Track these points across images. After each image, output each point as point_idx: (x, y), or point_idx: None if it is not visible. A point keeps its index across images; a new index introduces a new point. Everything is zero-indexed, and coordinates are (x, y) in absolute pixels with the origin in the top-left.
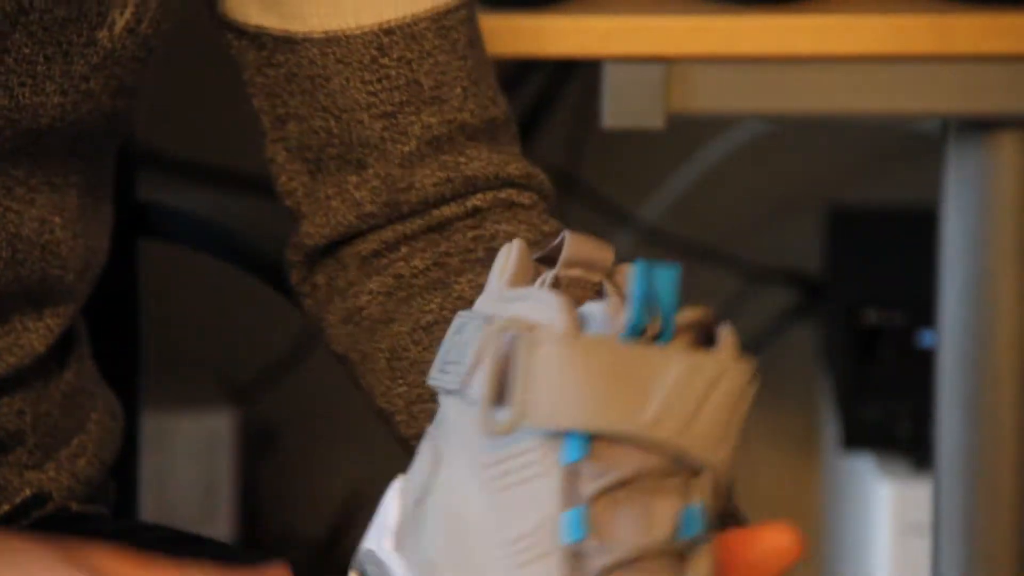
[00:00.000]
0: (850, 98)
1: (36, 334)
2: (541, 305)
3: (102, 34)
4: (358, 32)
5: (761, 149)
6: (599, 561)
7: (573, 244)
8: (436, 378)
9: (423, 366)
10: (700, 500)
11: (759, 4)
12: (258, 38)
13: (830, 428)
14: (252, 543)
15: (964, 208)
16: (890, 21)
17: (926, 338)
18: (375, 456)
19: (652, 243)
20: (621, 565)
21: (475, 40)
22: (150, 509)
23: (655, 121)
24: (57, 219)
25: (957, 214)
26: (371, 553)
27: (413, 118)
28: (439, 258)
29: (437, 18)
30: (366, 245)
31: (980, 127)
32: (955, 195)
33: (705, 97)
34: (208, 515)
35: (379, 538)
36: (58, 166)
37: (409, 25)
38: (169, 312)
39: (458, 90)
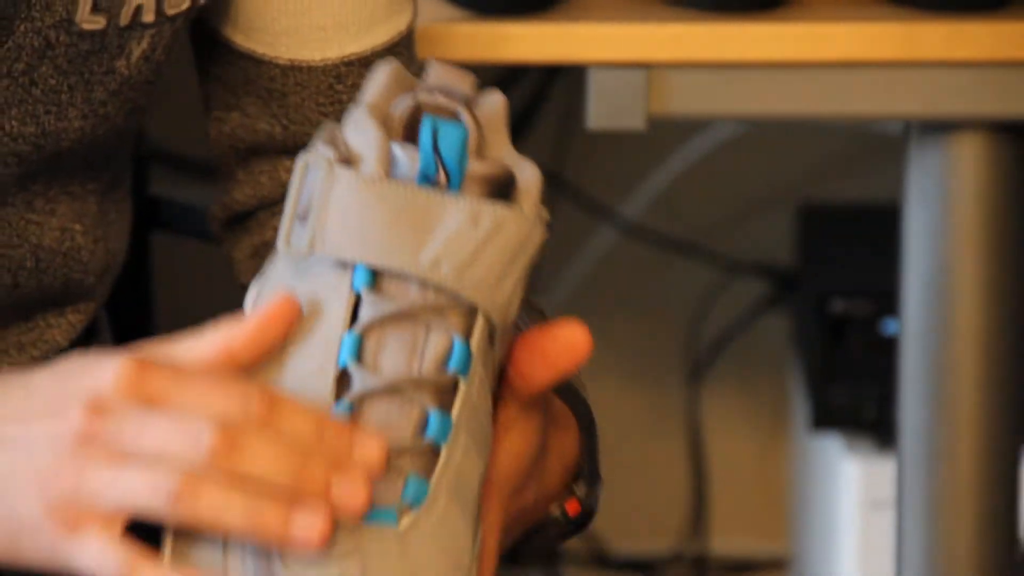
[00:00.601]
0: (819, 101)
1: (59, 330)
2: (363, 138)
3: (120, 63)
4: (321, 64)
5: (736, 149)
6: (361, 386)
7: (434, 71)
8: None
9: None
10: (469, 339)
11: (734, 13)
12: (225, 44)
13: (801, 409)
14: None
15: (925, 204)
16: (857, 29)
17: (890, 326)
18: None
19: (633, 238)
20: (380, 392)
21: (414, 56)
22: None
23: (636, 123)
24: (77, 226)
25: (919, 210)
26: None
27: None
28: None
29: (391, 47)
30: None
31: (940, 129)
32: (917, 192)
33: (683, 100)
34: None
35: None
36: (76, 178)
37: (367, 56)
38: (182, 304)
39: None
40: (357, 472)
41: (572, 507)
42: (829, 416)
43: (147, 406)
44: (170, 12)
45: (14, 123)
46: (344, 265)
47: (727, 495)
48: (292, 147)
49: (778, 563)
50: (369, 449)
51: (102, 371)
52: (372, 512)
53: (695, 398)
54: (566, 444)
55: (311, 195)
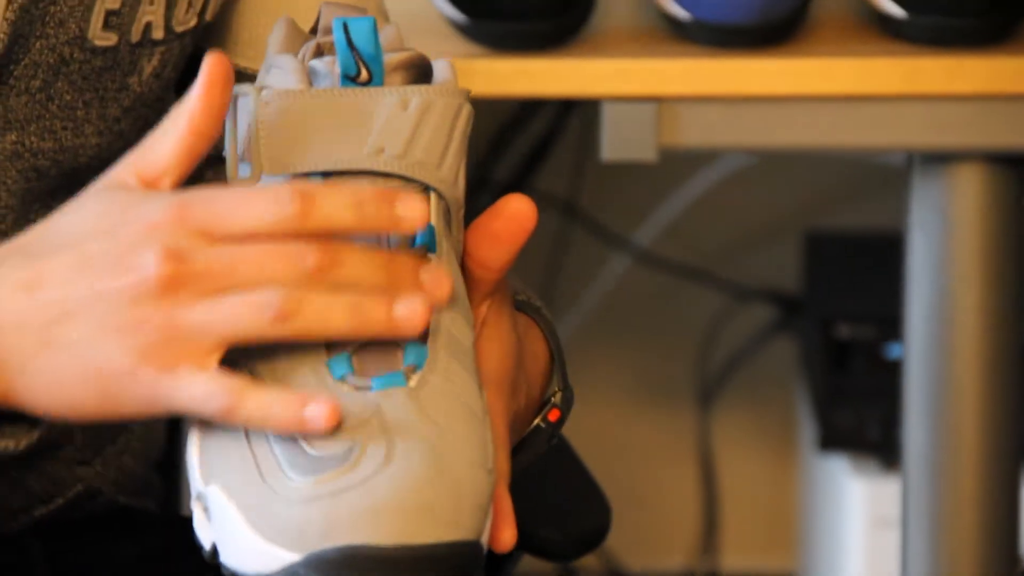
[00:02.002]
0: (825, 133)
1: None
2: (280, 70)
3: (132, 80)
4: None
5: (744, 180)
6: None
7: (327, 13)
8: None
9: None
10: (429, 217)
11: (741, 49)
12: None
13: (807, 431)
14: None
15: (928, 233)
16: (860, 64)
17: (894, 350)
18: None
19: (645, 265)
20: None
21: None
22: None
23: (648, 154)
24: None
25: (922, 238)
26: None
27: None
28: None
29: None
30: None
31: (942, 160)
32: (920, 221)
33: (693, 132)
34: None
35: None
36: None
37: None
38: None
39: None
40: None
41: (553, 414)
42: (835, 438)
43: (222, 241)
44: (178, 29)
45: (33, 138)
46: (292, 180)
47: (737, 514)
48: None
49: None
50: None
51: (152, 212)
52: (379, 379)
53: (706, 419)
54: (537, 351)
55: (247, 126)
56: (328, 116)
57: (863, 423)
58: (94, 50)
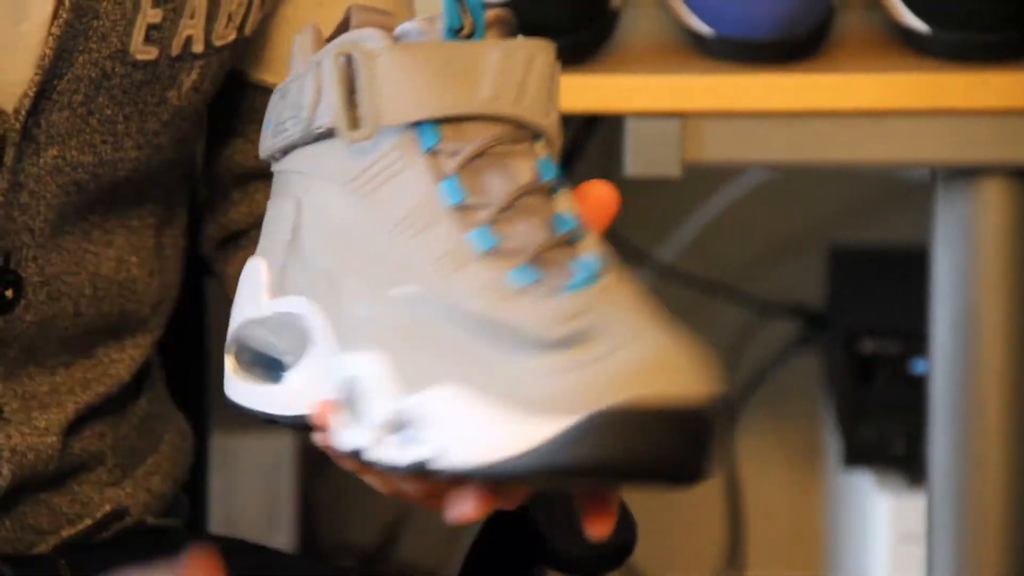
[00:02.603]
0: (848, 149)
1: (122, 364)
2: (359, 37)
3: (172, 94)
4: None
5: (767, 195)
6: (483, 213)
7: (357, 16)
8: (272, 144)
9: None
10: (546, 154)
11: (765, 64)
12: (236, 76)
13: (832, 447)
14: (310, 551)
15: (952, 247)
16: (884, 79)
17: (918, 365)
18: None
19: (669, 280)
20: (503, 210)
21: None
22: (220, 522)
23: (672, 170)
24: (134, 258)
25: (946, 253)
26: (247, 324)
27: None
28: None
29: None
30: None
31: (966, 175)
32: (944, 236)
33: (717, 148)
34: (271, 527)
35: (249, 308)
36: (133, 210)
37: None
38: None
39: None
40: None
41: None
42: (860, 453)
43: None
44: (218, 43)
45: (73, 152)
46: (405, 131)
47: (763, 529)
48: None
49: None
50: None
51: None
52: (569, 283)
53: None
54: None
55: (356, 80)
56: (437, 65)
57: (888, 438)
58: (135, 64)
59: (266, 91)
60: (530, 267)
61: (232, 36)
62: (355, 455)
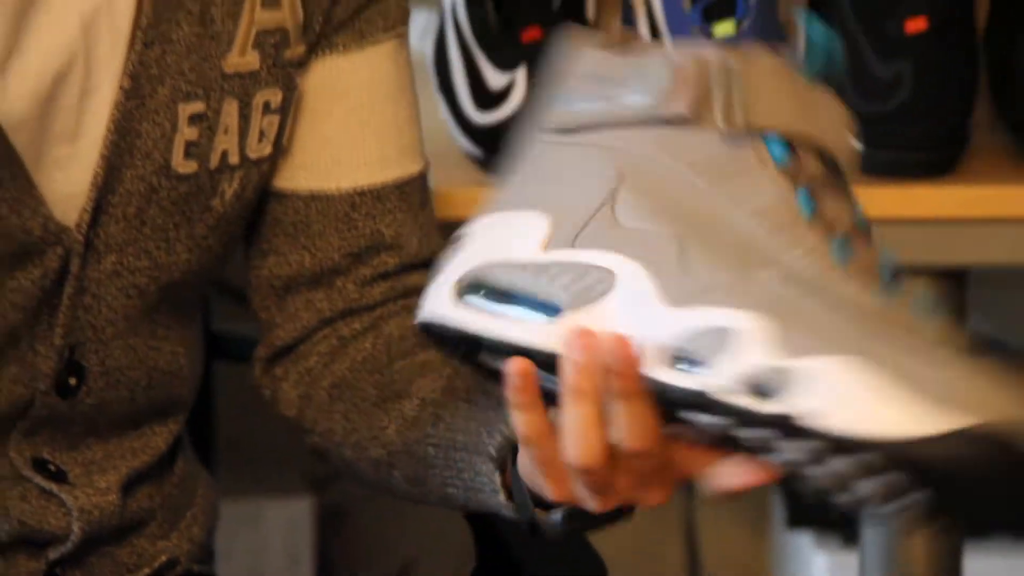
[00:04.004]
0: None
1: (162, 436)
2: (713, 51)
3: (215, 202)
4: (337, 193)
5: None
6: (832, 232)
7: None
8: (570, 118)
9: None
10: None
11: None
12: (282, 196)
13: (779, 510)
14: None
15: None
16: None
17: None
18: (426, 531)
19: None
20: (848, 233)
21: (426, 199)
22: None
23: None
24: (182, 350)
25: None
26: (497, 266)
27: (375, 259)
28: (379, 336)
29: (400, 185)
30: (323, 344)
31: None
32: None
33: None
34: None
35: (505, 254)
36: (185, 306)
37: (377, 189)
38: (257, 426)
39: (414, 240)
40: None
41: None
42: (801, 516)
43: None
44: (252, 156)
45: (130, 259)
46: (756, 137)
47: None
48: (318, 276)
49: None
50: None
51: None
52: (914, 301)
53: (691, 495)
54: None
55: (727, 84)
56: (797, 93)
57: (826, 503)
58: (178, 177)
59: (280, 195)
60: (883, 287)
61: (268, 151)
62: (679, 396)
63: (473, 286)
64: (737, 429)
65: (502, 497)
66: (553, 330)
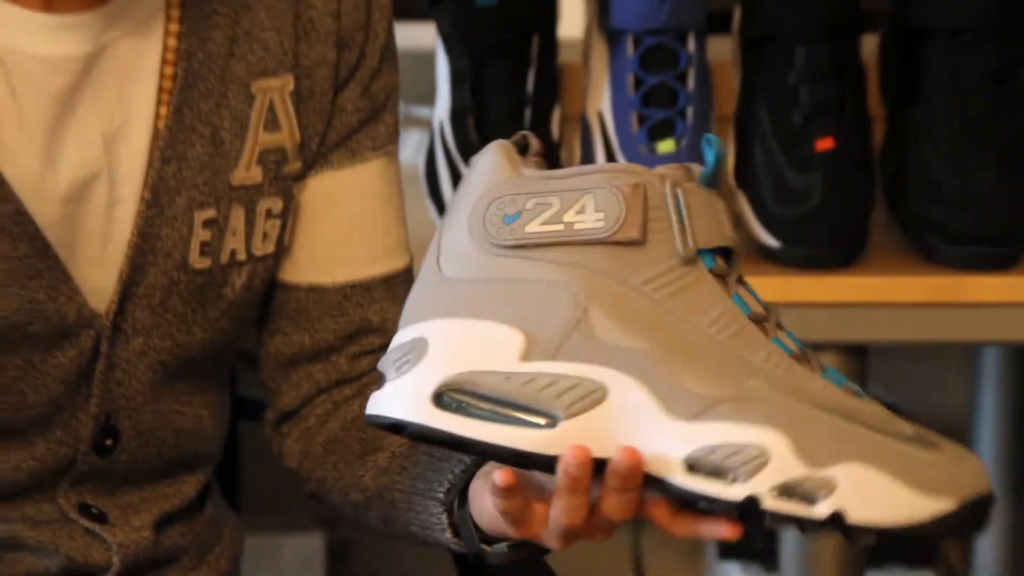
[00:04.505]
0: None
1: (191, 484)
2: (661, 172)
3: (227, 291)
4: (332, 286)
5: None
6: (769, 325)
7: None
8: (520, 236)
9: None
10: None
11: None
12: (288, 287)
13: (712, 543)
14: None
15: None
16: (756, 282)
17: None
18: (420, 559)
19: None
20: (776, 322)
21: (409, 289)
22: None
23: None
24: (206, 412)
25: None
26: (479, 374)
27: (364, 339)
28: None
29: (386, 279)
30: (320, 407)
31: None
32: None
33: None
34: None
35: (486, 365)
36: (205, 378)
37: (366, 283)
38: (276, 474)
39: (396, 326)
40: None
41: None
42: (729, 548)
43: None
44: (258, 253)
45: (155, 340)
46: (692, 254)
47: None
48: (316, 353)
49: None
50: None
51: None
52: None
53: (637, 529)
54: None
55: (678, 208)
56: (717, 207)
57: (750, 537)
58: (195, 271)
59: (285, 287)
60: (830, 370)
61: (271, 249)
62: (702, 500)
63: (453, 392)
64: (788, 526)
65: (449, 534)
66: (554, 437)
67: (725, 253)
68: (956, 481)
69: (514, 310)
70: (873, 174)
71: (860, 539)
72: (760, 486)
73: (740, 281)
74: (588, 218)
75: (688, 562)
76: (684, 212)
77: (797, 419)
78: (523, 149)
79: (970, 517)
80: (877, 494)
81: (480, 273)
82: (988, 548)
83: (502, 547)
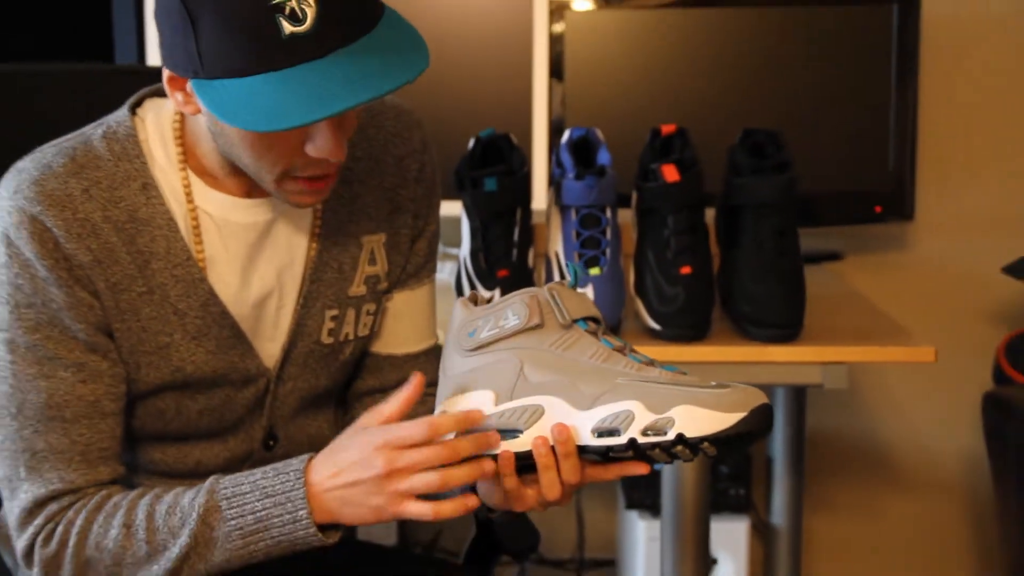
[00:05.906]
0: None
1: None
2: (547, 286)
3: (342, 356)
4: (398, 354)
5: None
6: (627, 350)
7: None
8: (479, 340)
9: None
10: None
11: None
12: (369, 355)
13: (621, 498)
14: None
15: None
16: (647, 349)
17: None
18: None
19: None
20: (629, 348)
21: (436, 357)
22: None
23: None
24: (325, 424)
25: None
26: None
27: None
28: None
29: (426, 352)
30: (361, 409)
31: None
32: None
33: None
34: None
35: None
36: (327, 404)
37: (414, 354)
38: None
39: (427, 375)
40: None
41: None
42: (634, 501)
43: (410, 450)
44: (361, 335)
45: (300, 384)
46: (574, 322)
47: (598, 545)
48: (381, 391)
49: None
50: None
51: (374, 440)
52: (666, 367)
53: (579, 497)
54: None
55: (556, 301)
56: (580, 296)
57: (648, 491)
58: (325, 345)
59: (375, 356)
60: (669, 367)
61: (366, 332)
62: (608, 450)
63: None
64: (647, 452)
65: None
66: (525, 440)
67: (596, 320)
68: (744, 401)
69: (485, 380)
70: (714, 288)
71: (702, 451)
72: (634, 431)
73: (607, 331)
74: (511, 321)
75: (606, 512)
76: (560, 302)
77: (646, 391)
78: (475, 300)
79: (759, 419)
80: (700, 418)
81: (463, 368)
82: (780, 501)
83: (501, 513)
